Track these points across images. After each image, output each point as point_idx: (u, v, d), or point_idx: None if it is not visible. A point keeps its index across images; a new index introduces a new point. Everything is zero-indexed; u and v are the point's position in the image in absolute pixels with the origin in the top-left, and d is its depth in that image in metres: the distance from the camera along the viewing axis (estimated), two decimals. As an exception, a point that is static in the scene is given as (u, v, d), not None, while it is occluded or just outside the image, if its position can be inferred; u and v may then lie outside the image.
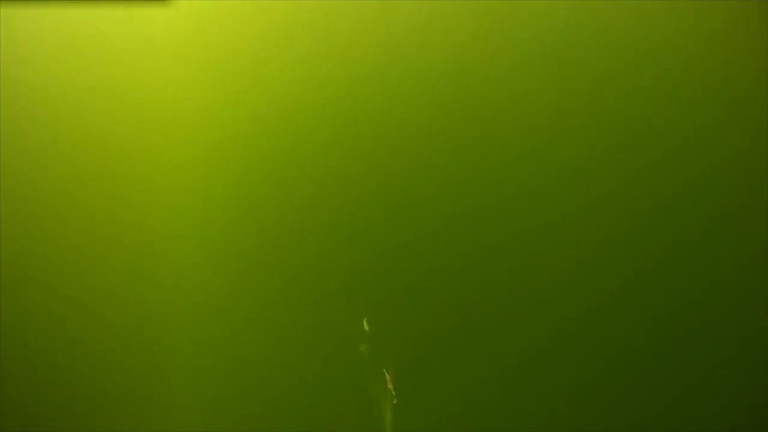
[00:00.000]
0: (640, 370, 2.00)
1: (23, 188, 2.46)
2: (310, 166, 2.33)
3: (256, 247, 2.22)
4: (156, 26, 2.86)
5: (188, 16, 2.96)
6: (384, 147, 2.37)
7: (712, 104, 2.46)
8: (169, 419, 2.02)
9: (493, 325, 2.03)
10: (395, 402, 1.89)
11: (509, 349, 1.95)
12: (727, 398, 1.98)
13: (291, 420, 1.92)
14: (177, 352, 2.11)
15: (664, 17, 2.69)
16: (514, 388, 1.91)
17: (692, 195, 2.30)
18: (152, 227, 2.29)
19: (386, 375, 1.90)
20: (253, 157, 2.43)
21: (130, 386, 2.08)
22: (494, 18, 2.64)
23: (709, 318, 2.04)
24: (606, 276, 2.16)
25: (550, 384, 1.95)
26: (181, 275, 2.21)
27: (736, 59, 2.53)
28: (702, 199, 2.28)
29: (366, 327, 2.01)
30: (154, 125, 2.66)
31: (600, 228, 2.21)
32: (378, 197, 2.25)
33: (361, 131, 2.45)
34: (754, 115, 2.51)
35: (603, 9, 2.64)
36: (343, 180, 2.24)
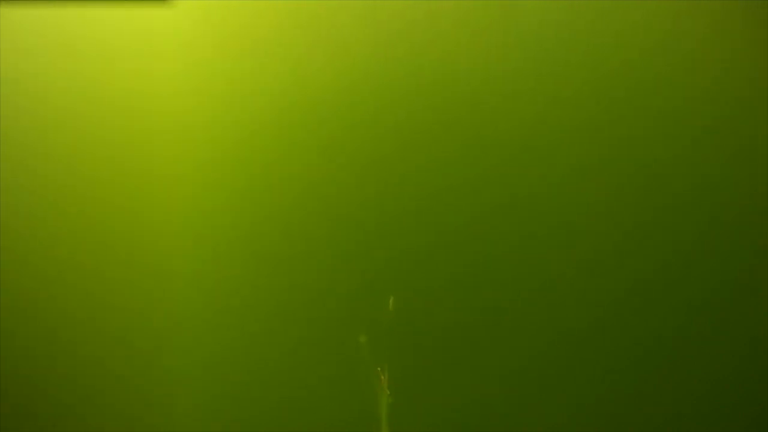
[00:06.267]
0: (646, 373, 1.97)
1: (23, 187, 2.44)
2: (313, 165, 2.32)
3: (259, 246, 2.20)
4: (156, 26, 2.83)
5: (188, 16, 2.93)
6: (387, 147, 2.36)
7: (717, 103, 2.43)
8: (169, 414, 2.00)
9: (498, 325, 2.02)
10: (390, 399, 1.85)
11: (513, 350, 1.94)
12: (734, 401, 1.95)
13: (291, 412, 1.90)
14: (179, 349, 2.10)
15: (665, 15, 2.67)
16: (518, 388, 1.89)
17: (701, 195, 2.26)
18: (153, 226, 2.26)
19: (380, 374, 1.86)
20: (255, 157, 2.40)
21: (131, 386, 2.06)
22: (493, 17, 2.65)
23: (718, 320, 2.02)
24: (612, 278, 2.15)
25: (554, 386, 1.93)
26: (182, 272, 2.19)
27: (740, 57, 2.51)
28: (710, 199, 2.24)
29: (390, 306, 1.96)
30: (154, 124, 2.63)
31: (603, 229, 2.19)
32: (381, 196, 2.23)
33: (363, 131, 2.44)
34: (758, 114, 2.49)
35: (603, 7, 2.63)
36: (347, 178, 2.23)
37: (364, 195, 2.41)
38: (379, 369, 2.06)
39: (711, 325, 2.20)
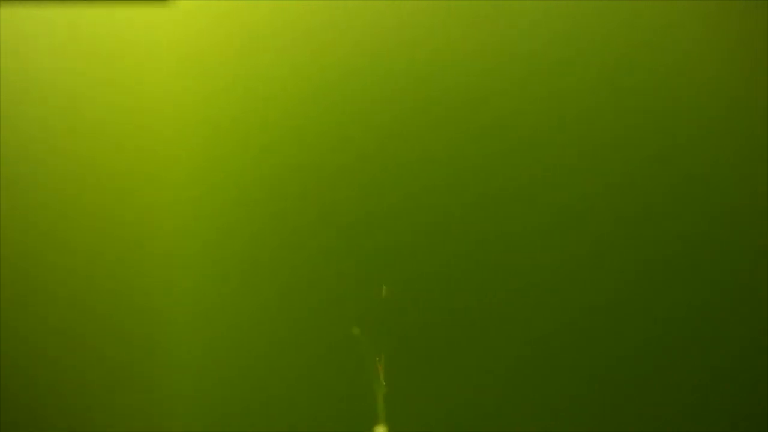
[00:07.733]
0: (640, 371, 1.97)
1: (23, 187, 2.44)
2: (312, 164, 2.32)
3: (256, 241, 2.21)
4: (156, 26, 2.82)
5: (188, 16, 2.92)
6: (384, 142, 2.36)
7: (716, 102, 2.42)
8: (169, 412, 2.00)
9: (492, 318, 2.03)
10: (385, 390, 1.84)
11: (507, 344, 1.94)
12: (730, 399, 1.95)
13: (288, 404, 1.90)
14: (177, 345, 2.10)
15: (662, 13, 2.67)
16: (512, 381, 1.90)
17: (694, 192, 2.26)
18: (152, 225, 2.27)
19: (378, 364, 1.85)
20: (254, 156, 2.41)
21: (129, 383, 2.06)
22: (487, 16, 2.64)
23: (713, 318, 2.01)
24: (605, 274, 2.15)
25: (549, 380, 1.93)
26: (180, 271, 2.20)
27: (738, 57, 2.50)
28: (703, 197, 2.24)
29: (383, 294, 1.95)
30: (153, 124, 2.63)
31: (597, 227, 2.20)
32: (378, 192, 2.23)
33: (362, 127, 2.44)
34: (756, 112, 2.49)
35: (598, 5, 2.61)
36: (345, 174, 2.23)
37: (363, 188, 2.41)
38: (377, 359, 2.07)
39: (710, 325, 2.20)
